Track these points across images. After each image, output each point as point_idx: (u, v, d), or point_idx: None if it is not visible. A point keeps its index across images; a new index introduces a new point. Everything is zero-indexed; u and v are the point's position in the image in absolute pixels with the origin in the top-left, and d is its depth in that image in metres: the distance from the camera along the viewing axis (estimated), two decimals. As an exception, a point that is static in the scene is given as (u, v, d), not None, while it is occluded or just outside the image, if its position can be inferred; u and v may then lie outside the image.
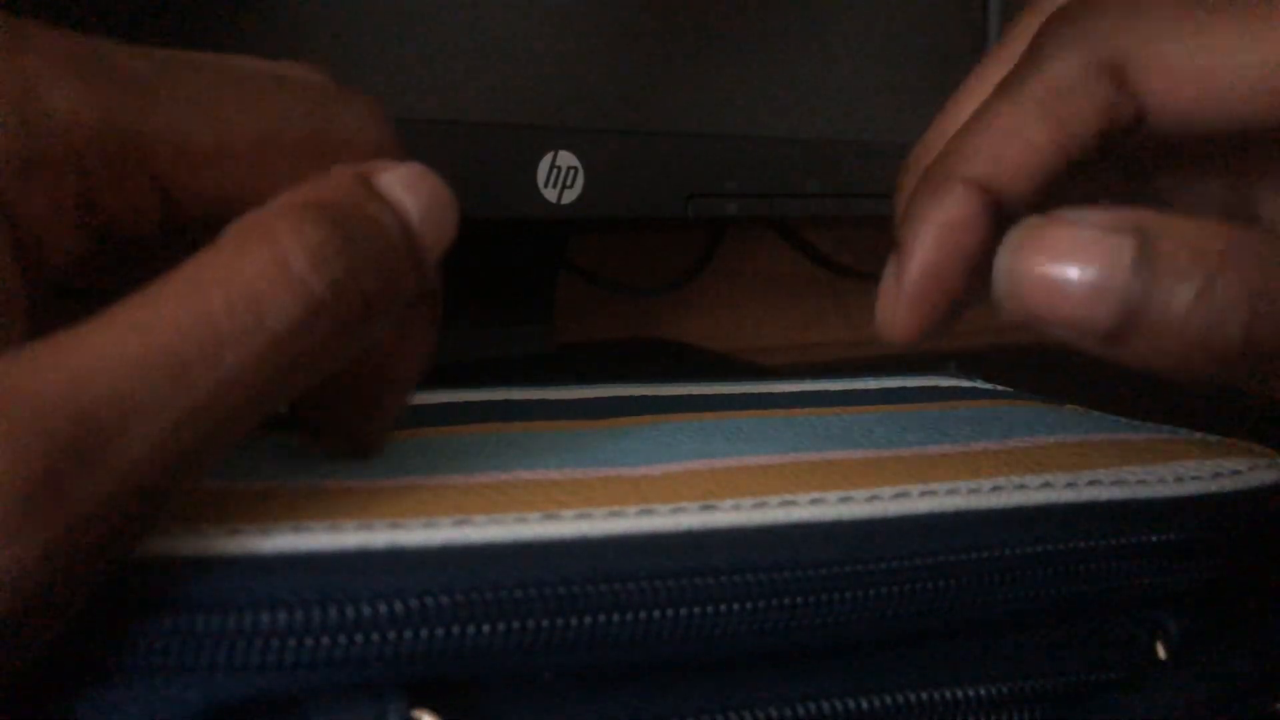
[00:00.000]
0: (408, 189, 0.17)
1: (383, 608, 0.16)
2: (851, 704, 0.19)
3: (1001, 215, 0.19)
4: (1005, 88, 0.20)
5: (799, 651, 0.19)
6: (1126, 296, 0.16)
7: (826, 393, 0.28)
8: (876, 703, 0.19)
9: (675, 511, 0.18)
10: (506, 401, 0.26)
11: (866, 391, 0.29)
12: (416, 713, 0.16)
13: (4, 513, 0.12)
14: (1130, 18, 0.19)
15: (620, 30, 0.40)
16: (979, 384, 0.31)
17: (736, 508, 0.19)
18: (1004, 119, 0.19)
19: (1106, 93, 0.19)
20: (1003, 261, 0.17)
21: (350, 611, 0.15)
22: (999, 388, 0.31)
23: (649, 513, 0.18)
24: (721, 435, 0.23)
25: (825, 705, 0.19)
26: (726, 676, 0.19)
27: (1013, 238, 0.17)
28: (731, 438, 0.23)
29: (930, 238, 0.19)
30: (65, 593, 0.13)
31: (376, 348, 0.19)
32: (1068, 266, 0.16)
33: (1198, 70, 0.18)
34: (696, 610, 0.17)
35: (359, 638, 0.15)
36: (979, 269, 0.19)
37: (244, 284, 0.14)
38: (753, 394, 0.28)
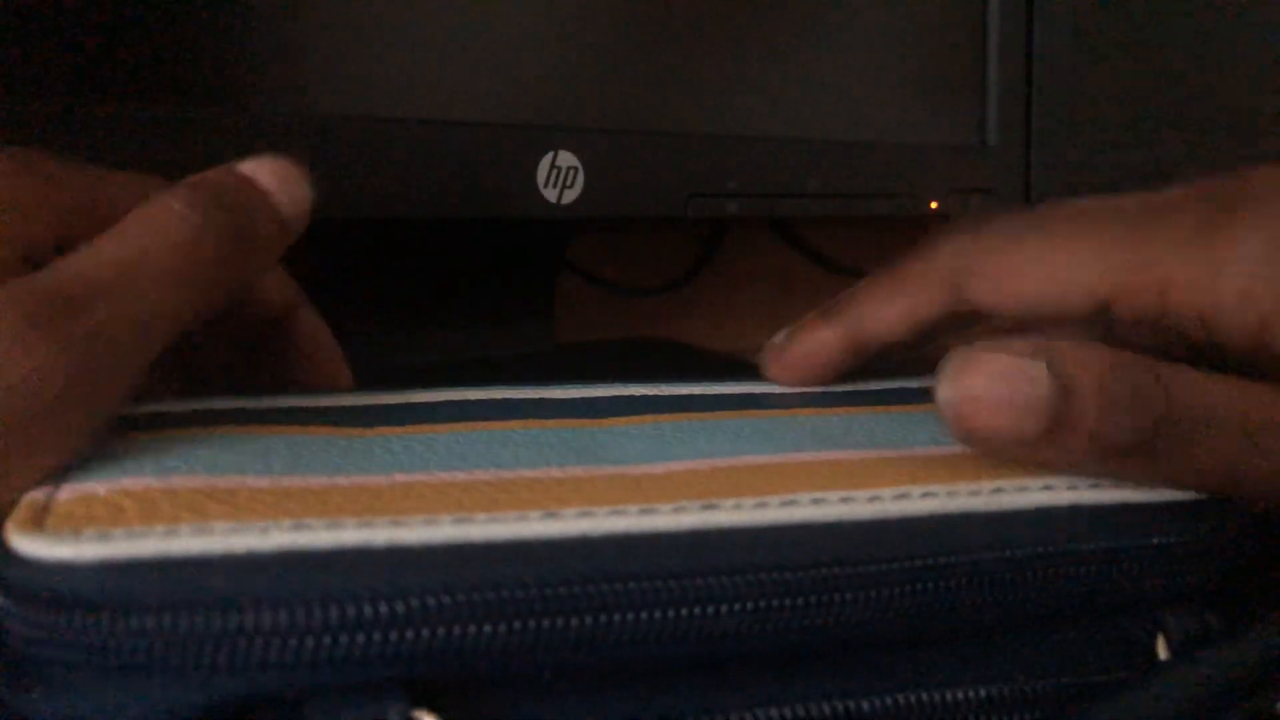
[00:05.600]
0: (259, 166, 0.24)
1: (383, 608, 0.16)
2: (852, 705, 0.19)
3: (865, 347, 0.29)
4: (895, 266, 0.28)
5: (799, 652, 0.19)
6: (1049, 407, 0.20)
7: (827, 393, 0.28)
8: (878, 703, 0.19)
9: (677, 511, 0.18)
10: (506, 400, 0.26)
11: (867, 392, 0.29)
12: (416, 713, 0.16)
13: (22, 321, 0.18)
14: (975, 250, 0.26)
15: (620, 30, 0.40)
16: None
17: (738, 507, 0.19)
18: (878, 291, 0.28)
19: (946, 298, 0.27)
20: (943, 392, 0.21)
21: (351, 611, 0.15)
22: None
23: (650, 512, 0.18)
24: (723, 435, 0.23)
25: (825, 706, 0.19)
26: (727, 677, 0.19)
27: (946, 371, 0.21)
28: (733, 437, 0.23)
29: (808, 345, 0.29)
30: (78, 393, 0.18)
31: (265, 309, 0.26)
32: (999, 389, 0.20)
33: (1019, 290, 0.25)
34: (697, 610, 0.17)
35: (360, 637, 0.15)
36: (834, 367, 0.29)
37: (146, 219, 0.21)
38: (753, 394, 0.28)
